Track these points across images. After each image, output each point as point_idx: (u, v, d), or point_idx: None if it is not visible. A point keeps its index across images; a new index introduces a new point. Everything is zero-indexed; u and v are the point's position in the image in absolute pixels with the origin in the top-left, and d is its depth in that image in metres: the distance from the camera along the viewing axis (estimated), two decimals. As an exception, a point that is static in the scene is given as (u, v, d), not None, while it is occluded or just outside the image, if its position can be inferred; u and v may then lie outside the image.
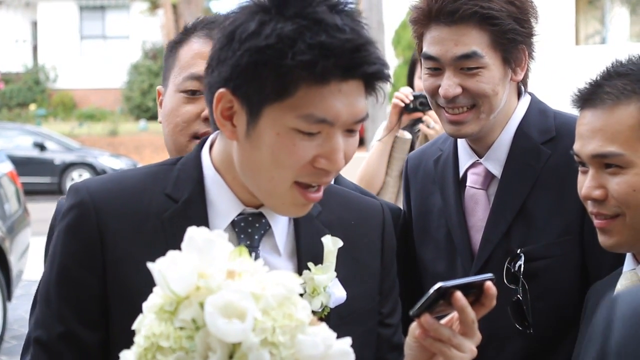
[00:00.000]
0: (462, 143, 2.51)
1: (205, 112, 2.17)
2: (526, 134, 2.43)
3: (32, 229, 8.67)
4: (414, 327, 1.77)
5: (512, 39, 2.32)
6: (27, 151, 20.92)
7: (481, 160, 2.46)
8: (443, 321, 1.76)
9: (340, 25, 1.59)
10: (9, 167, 8.58)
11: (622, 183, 1.99)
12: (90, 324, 1.71)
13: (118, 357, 1.41)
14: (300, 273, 1.75)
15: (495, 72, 2.33)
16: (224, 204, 1.75)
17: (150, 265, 1.38)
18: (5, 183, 8.20)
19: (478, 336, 1.75)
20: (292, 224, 1.82)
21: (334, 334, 1.37)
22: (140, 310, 1.41)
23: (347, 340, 1.38)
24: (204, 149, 1.81)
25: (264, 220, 1.77)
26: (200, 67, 2.19)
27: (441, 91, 2.35)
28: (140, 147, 26.17)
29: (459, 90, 2.33)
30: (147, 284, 1.43)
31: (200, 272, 1.36)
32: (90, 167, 20.75)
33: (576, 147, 2.07)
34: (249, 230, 1.76)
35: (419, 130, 3.94)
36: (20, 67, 33.45)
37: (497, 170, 2.44)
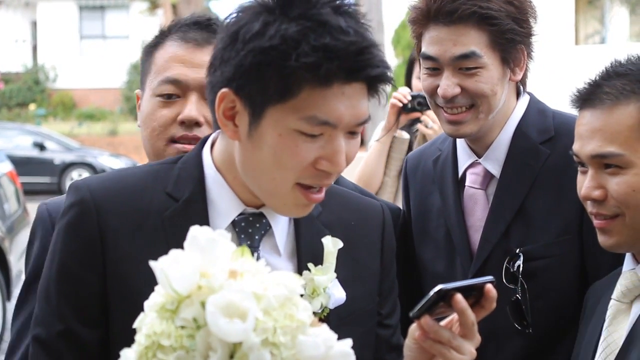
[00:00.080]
0: (461, 143, 2.51)
1: (182, 116, 2.17)
2: (525, 133, 2.43)
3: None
4: (413, 328, 1.77)
5: (511, 39, 2.32)
6: (27, 151, 20.92)
7: (480, 160, 2.46)
8: (443, 323, 1.77)
9: (345, 28, 1.59)
10: (8, 167, 8.58)
11: (621, 183, 2.00)
12: (90, 322, 1.71)
13: (118, 356, 1.41)
14: (300, 273, 1.75)
15: (493, 72, 2.33)
16: (224, 204, 1.75)
17: (152, 263, 1.38)
18: (4, 183, 8.20)
19: (477, 338, 1.76)
20: (292, 225, 1.82)
21: (335, 335, 1.38)
22: (140, 309, 1.41)
23: (348, 342, 1.38)
24: (205, 148, 1.81)
25: (264, 221, 1.77)
26: (175, 71, 2.19)
27: (440, 91, 2.35)
28: (140, 147, 25.91)
29: (457, 90, 2.33)
30: (147, 283, 1.43)
31: (202, 272, 1.36)
32: (89, 167, 20.74)
33: (575, 147, 2.07)
34: (250, 231, 1.76)
35: (417, 130, 3.94)
36: (20, 67, 33.42)
37: (496, 170, 2.44)
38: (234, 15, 1.68)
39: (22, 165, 17.14)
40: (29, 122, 28.47)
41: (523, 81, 2.45)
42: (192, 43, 2.21)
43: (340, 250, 1.78)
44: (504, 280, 2.35)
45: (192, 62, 2.19)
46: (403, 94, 3.88)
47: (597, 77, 2.08)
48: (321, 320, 1.71)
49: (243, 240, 1.74)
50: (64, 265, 1.72)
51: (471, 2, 2.28)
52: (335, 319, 1.75)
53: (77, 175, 20.59)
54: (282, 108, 1.60)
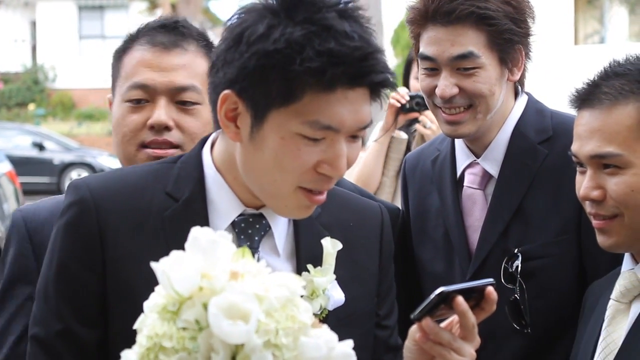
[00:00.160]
0: (459, 143, 2.51)
1: (151, 121, 2.15)
2: (523, 133, 2.43)
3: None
4: (414, 330, 1.78)
5: (509, 39, 2.32)
6: (26, 151, 20.91)
7: (478, 160, 2.46)
8: (443, 324, 1.77)
9: (349, 32, 1.59)
10: (7, 167, 8.59)
11: (620, 183, 1.99)
12: (89, 321, 1.71)
13: (117, 355, 1.41)
14: (299, 274, 1.74)
15: (491, 72, 2.33)
16: (224, 204, 1.75)
17: (153, 264, 1.37)
18: (4, 183, 8.21)
19: (477, 340, 1.77)
20: (291, 225, 1.82)
21: (336, 336, 1.38)
22: (140, 309, 1.41)
23: (349, 343, 1.39)
24: (205, 147, 1.81)
25: (264, 222, 1.77)
26: (143, 76, 2.17)
27: (438, 91, 2.35)
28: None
29: (455, 90, 2.33)
30: (147, 282, 1.43)
31: (203, 273, 1.36)
32: (89, 166, 20.73)
33: (574, 147, 2.07)
34: (249, 232, 1.76)
35: (415, 131, 3.94)
36: (19, 66, 33.39)
37: (494, 170, 2.44)
38: (238, 16, 1.68)
39: (21, 165, 17.13)
40: (28, 122, 28.45)
41: (521, 81, 2.45)
42: (160, 47, 2.19)
43: (338, 251, 1.78)
44: (503, 280, 2.36)
45: (160, 66, 2.17)
46: (401, 94, 3.88)
47: (596, 77, 2.08)
48: (320, 321, 1.71)
49: (242, 241, 1.74)
50: (63, 264, 1.72)
51: (469, 3, 2.28)
52: (334, 320, 1.74)
53: (76, 175, 20.59)
54: (285, 111, 1.60)
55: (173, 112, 2.16)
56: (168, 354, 1.34)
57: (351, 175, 3.85)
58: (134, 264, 1.68)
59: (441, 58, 2.33)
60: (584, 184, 2.05)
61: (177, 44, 2.20)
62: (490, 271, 2.35)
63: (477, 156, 2.46)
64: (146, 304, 1.40)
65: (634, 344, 1.99)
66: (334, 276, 1.77)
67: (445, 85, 2.33)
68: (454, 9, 2.29)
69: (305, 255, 1.79)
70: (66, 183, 20.02)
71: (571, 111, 2.19)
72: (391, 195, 3.96)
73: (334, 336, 1.37)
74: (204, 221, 1.73)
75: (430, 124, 3.82)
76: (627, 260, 2.10)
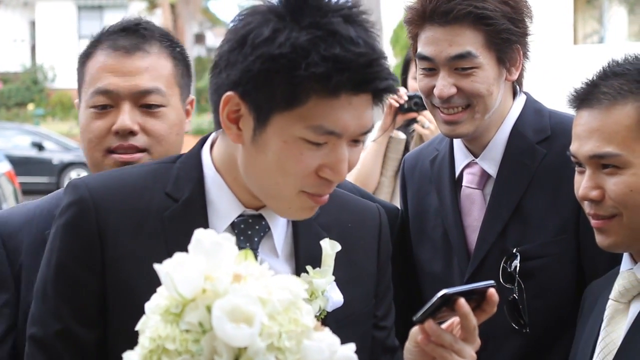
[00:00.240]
0: (457, 143, 2.51)
1: (115, 126, 2.14)
2: (521, 133, 2.43)
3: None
4: (415, 332, 1.78)
5: (507, 39, 2.32)
6: (25, 151, 20.89)
7: (477, 160, 2.46)
8: (443, 326, 1.78)
9: (355, 38, 1.59)
10: (7, 166, 8.59)
11: (619, 183, 1.99)
12: (88, 322, 1.71)
13: (116, 356, 1.41)
14: (298, 275, 1.75)
15: (489, 72, 2.33)
16: (224, 205, 1.75)
17: (157, 266, 1.37)
18: (3, 183, 8.21)
19: (478, 342, 1.78)
20: (290, 226, 1.82)
21: (338, 339, 1.38)
22: (139, 309, 1.41)
23: (352, 346, 1.39)
24: (205, 147, 1.81)
25: (263, 222, 1.77)
26: (106, 81, 2.16)
27: (436, 91, 2.35)
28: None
29: (453, 90, 2.33)
30: (147, 283, 1.43)
31: (206, 275, 1.36)
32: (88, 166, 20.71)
33: (573, 147, 2.07)
34: (249, 233, 1.76)
35: (413, 131, 3.94)
36: (19, 66, 33.40)
37: (492, 170, 2.44)
38: (242, 17, 1.67)
39: (20, 165, 17.12)
40: (28, 122, 28.44)
41: (519, 81, 2.46)
42: (122, 51, 2.18)
43: (337, 252, 1.78)
44: (501, 280, 2.36)
45: (122, 70, 2.16)
46: (399, 94, 3.88)
47: (595, 77, 2.08)
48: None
49: (242, 242, 1.74)
50: (62, 264, 1.72)
51: (466, 2, 2.28)
52: (332, 322, 1.74)
53: (75, 175, 20.57)
54: (288, 115, 1.61)
55: (137, 116, 2.15)
56: (171, 357, 1.34)
57: (349, 175, 3.84)
58: (133, 264, 1.68)
59: (439, 58, 2.33)
60: (582, 184, 2.05)
61: (139, 47, 2.18)
62: (489, 271, 2.36)
63: (476, 156, 2.46)
64: (147, 305, 1.39)
65: (633, 343, 1.99)
66: (333, 277, 1.77)
67: (443, 85, 2.33)
68: (451, 9, 2.29)
69: (304, 256, 1.79)
70: (65, 183, 20.04)
71: (570, 111, 2.19)
72: (389, 196, 3.96)
73: (336, 339, 1.38)
74: (204, 222, 1.73)
75: (428, 124, 3.82)
76: (625, 260, 2.10)
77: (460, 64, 2.32)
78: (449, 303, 1.73)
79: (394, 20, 21.26)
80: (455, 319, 1.79)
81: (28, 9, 34.51)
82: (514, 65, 2.39)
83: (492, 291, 1.76)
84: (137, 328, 1.39)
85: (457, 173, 2.50)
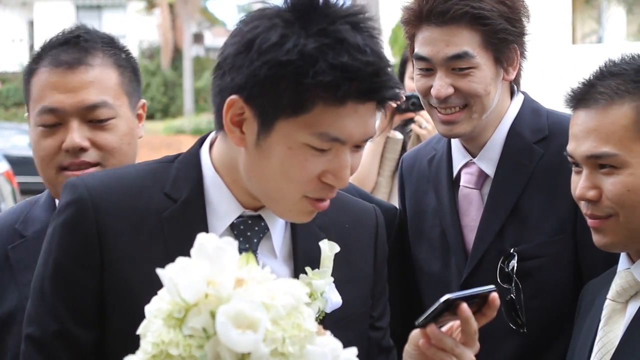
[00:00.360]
0: (455, 143, 2.51)
1: (65, 145, 2.11)
2: (519, 133, 2.43)
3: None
4: (415, 335, 1.79)
5: (504, 39, 2.32)
6: (24, 151, 20.75)
7: (474, 160, 2.46)
8: (443, 329, 1.79)
9: (362, 46, 1.59)
10: (5, 166, 8.60)
11: (616, 183, 1.99)
12: (86, 322, 1.70)
13: (114, 356, 1.40)
14: (296, 277, 1.75)
15: (487, 72, 2.33)
16: (223, 206, 1.75)
17: (159, 271, 1.36)
18: (1, 183, 8.21)
19: (477, 345, 1.79)
20: (288, 227, 1.82)
21: (341, 344, 1.38)
22: (138, 309, 1.40)
23: (353, 350, 1.40)
24: (204, 148, 1.80)
25: (262, 224, 1.77)
26: (52, 99, 2.12)
27: (433, 91, 2.35)
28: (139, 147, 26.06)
29: (450, 90, 2.33)
30: (146, 283, 1.43)
31: (209, 280, 1.35)
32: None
33: (570, 147, 2.07)
34: (248, 234, 1.76)
35: (410, 131, 3.94)
36: (17, 66, 33.32)
37: (490, 170, 2.44)
38: (249, 20, 1.66)
39: (18, 165, 17.04)
40: (26, 122, 28.36)
41: (517, 81, 2.46)
42: (64, 67, 2.13)
43: (335, 253, 1.78)
44: (499, 280, 2.35)
45: (67, 87, 2.12)
46: (398, 94, 3.87)
47: (592, 77, 2.08)
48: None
49: (241, 243, 1.74)
50: (59, 264, 1.71)
51: (463, 2, 2.28)
52: (331, 323, 1.74)
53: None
54: (293, 122, 1.60)
55: (87, 132, 2.12)
56: (174, 362, 1.33)
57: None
58: (132, 265, 1.67)
59: (436, 58, 2.33)
60: (579, 184, 2.05)
61: (81, 60, 2.14)
62: (487, 271, 2.36)
63: (473, 156, 2.46)
64: (148, 309, 1.38)
65: (630, 343, 1.99)
66: (332, 279, 1.77)
67: (441, 85, 2.33)
68: (448, 9, 2.29)
69: (302, 257, 1.79)
70: (64, 183, 20.06)
71: (568, 111, 2.19)
72: (387, 196, 3.96)
73: (338, 344, 1.38)
74: (203, 223, 1.72)
75: (425, 124, 3.82)
76: (623, 259, 2.10)
77: (457, 64, 2.32)
78: (450, 307, 1.74)
79: (393, 20, 21.25)
80: (455, 323, 1.79)
81: (26, 9, 34.49)
82: (511, 65, 2.39)
83: (495, 296, 1.77)
84: (138, 332, 1.39)
85: (455, 173, 2.50)
